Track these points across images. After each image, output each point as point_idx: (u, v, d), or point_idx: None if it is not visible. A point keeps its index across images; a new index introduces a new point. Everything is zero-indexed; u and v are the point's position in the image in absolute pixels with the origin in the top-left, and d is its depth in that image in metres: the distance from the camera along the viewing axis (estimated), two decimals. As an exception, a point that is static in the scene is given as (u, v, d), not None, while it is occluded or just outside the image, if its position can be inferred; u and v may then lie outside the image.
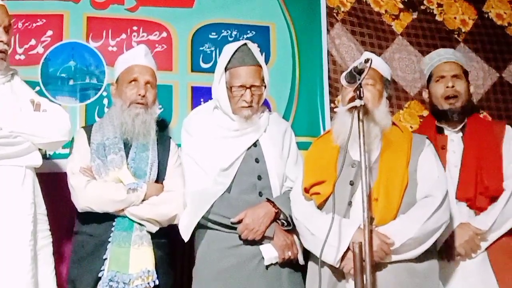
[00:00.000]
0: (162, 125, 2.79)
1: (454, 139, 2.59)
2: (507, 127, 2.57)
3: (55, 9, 2.92)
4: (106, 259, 2.29)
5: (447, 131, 2.62)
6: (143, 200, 2.36)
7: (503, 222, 2.39)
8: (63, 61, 2.89)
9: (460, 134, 2.59)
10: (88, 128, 2.51)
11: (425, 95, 2.75)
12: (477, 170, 2.45)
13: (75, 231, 2.45)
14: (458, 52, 2.76)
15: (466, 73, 2.68)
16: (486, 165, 2.45)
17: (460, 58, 2.69)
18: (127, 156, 2.42)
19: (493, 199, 2.42)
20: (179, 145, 2.62)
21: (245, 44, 2.46)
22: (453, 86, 2.58)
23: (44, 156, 2.64)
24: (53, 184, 2.55)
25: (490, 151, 2.48)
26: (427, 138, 2.30)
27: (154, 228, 2.37)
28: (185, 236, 2.37)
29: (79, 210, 2.35)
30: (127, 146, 2.45)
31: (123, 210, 2.34)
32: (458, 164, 2.51)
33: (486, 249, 2.40)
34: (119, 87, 2.51)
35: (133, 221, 2.34)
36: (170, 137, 2.68)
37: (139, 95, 2.45)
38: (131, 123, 2.42)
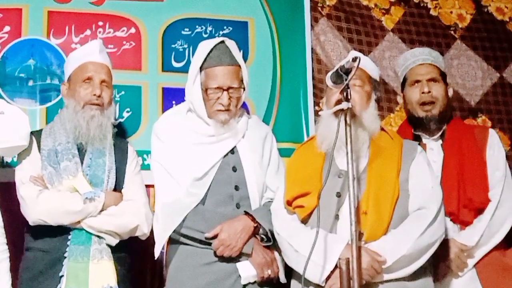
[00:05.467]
0: (130, 130, 2.75)
1: (433, 147, 2.47)
2: (491, 131, 2.50)
3: (13, 2, 2.80)
4: (62, 276, 2.19)
5: (425, 139, 2.50)
6: (101, 211, 2.27)
7: (490, 236, 2.30)
8: (22, 59, 2.80)
9: (440, 141, 2.49)
10: (37, 133, 2.42)
11: (400, 100, 2.70)
12: (459, 180, 2.35)
13: (26, 247, 2.33)
14: (434, 52, 2.67)
15: (444, 75, 2.57)
16: (469, 174, 2.36)
17: (437, 58, 2.59)
18: (82, 163, 2.34)
19: (479, 211, 2.33)
20: (147, 152, 2.56)
21: (223, 41, 2.39)
22: (429, 92, 2.47)
23: (1, 164, 2.62)
24: (7, 195, 2.44)
25: (472, 158, 2.39)
26: (418, 144, 2.25)
27: (114, 241, 2.28)
28: (155, 251, 2.29)
29: (31, 223, 2.25)
30: (81, 152, 2.37)
31: (79, 222, 2.25)
32: (439, 175, 2.37)
33: (474, 265, 2.31)
34: (71, 87, 2.43)
35: (91, 233, 2.26)
36: (128, 142, 2.61)
37: (94, 95, 2.37)
38: (86, 126, 2.34)
